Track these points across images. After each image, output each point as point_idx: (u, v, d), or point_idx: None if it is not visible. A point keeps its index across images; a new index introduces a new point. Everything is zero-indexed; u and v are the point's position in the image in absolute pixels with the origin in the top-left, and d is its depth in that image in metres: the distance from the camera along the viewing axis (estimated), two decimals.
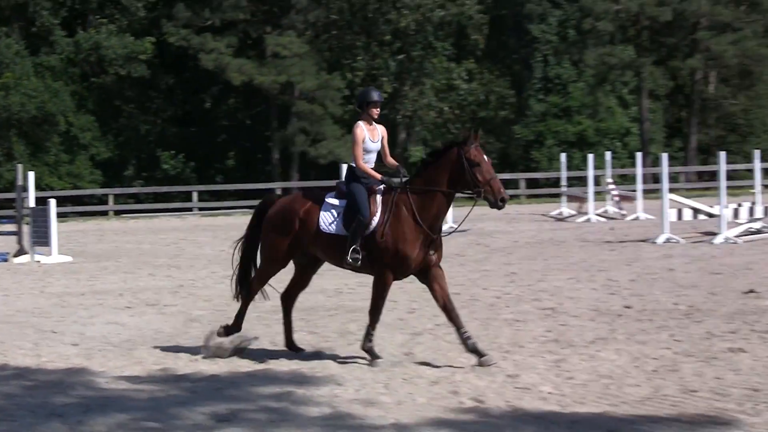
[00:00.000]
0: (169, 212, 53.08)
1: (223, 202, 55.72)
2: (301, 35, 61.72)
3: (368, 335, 13.08)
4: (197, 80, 65.12)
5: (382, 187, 13.14)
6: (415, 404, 10.70)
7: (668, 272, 20.98)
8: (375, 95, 13.33)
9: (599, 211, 38.39)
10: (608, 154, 43.39)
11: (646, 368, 12.13)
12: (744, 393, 10.82)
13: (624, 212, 38.28)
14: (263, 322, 16.33)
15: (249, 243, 14.12)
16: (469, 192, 12.73)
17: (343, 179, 13.57)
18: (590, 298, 17.97)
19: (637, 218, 36.29)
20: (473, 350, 12.62)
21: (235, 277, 14.16)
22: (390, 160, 13.51)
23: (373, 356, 12.94)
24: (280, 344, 14.37)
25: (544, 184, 56.29)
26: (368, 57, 63.26)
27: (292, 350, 13.74)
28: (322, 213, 13.20)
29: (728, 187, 29.16)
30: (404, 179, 13.07)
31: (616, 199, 39.71)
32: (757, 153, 31.60)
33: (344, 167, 14.98)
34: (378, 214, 12.88)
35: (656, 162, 41.47)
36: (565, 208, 41.19)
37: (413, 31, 62.94)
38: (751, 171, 33.60)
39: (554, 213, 40.95)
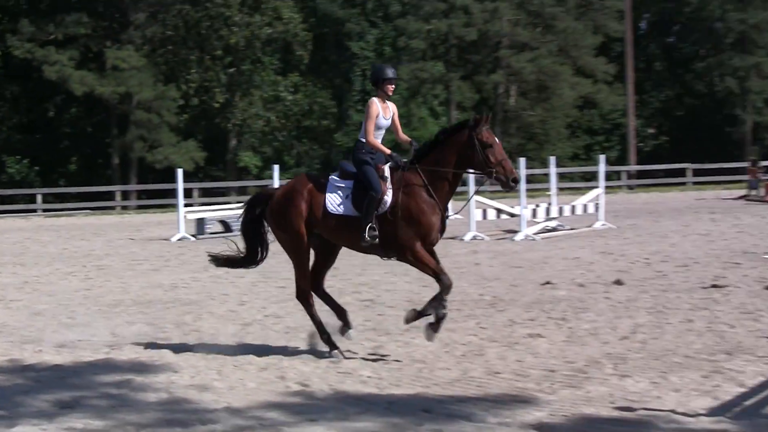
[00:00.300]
0: (14, 213, 51.82)
1: (65, 204, 54.62)
2: (139, 49, 61.01)
3: (439, 301, 11.99)
4: (41, 90, 63.69)
5: (387, 166, 12.24)
6: (245, 389, 10.65)
7: (475, 266, 21.23)
8: (390, 72, 12.37)
9: None
10: None
11: (455, 353, 12.25)
12: (542, 374, 11.01)
13: None
14: (104, 315, 16.10)
15: (250, 235, 13.13)
16: (480, 172, 12.09)
17: (351, 158, 12.48)
18: (405, 290, 18.05)
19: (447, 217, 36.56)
20: (432, 315, 12.02)
21: (228, 254, 13.32)
22: (403, 136, 12.69)
23: (437, 315, 11.95)
24: (119, 335, 14.17)
25: None
26: (201, 70, 62.74)
27: (344, 325, 12.62)
28: (328, 195, 12.27)
29: (527, 190, 29.58)
30: (413, 154, 12.32)
31: None
32: (552, 159, 32.18)
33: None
34: (389, 194, 12.02)
35: None
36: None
37: (243, 47, 62.67)
38: (547, 175, 34.16)
39: None
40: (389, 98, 12.46)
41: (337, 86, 68.44)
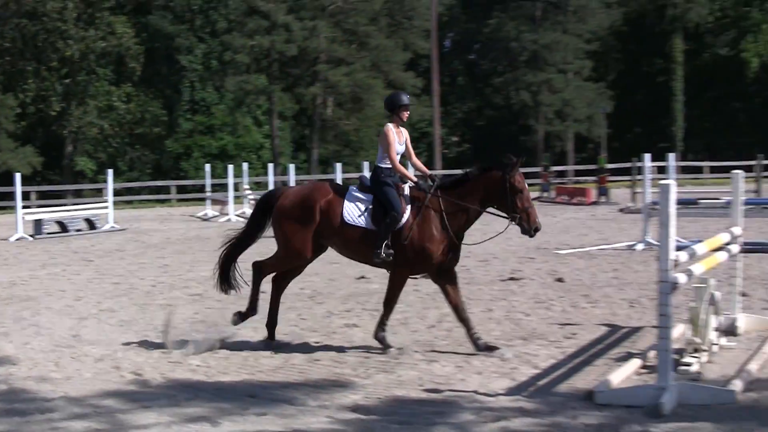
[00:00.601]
0: None
1: None
2: None
3: (381, 324, 11.65)
4: None
5: (407, 187, 11.61)
6: (82, 379, 10.45)
7: None
8: (405, 99, 11.78)
9: (238, 212, 38.45)
10: (245, 165, 43.60)
11: (278, 342, 12.22)
12: (358, 360, 11.07)
13: None
14: None
15: (245, 236, 12.39)
16: (503, 213, 11.41)
17: (369, 180, 11.78)
18: None
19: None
20: (484, 348, 11.28)
21: (218, 271, 12.41)
22: (416, 161, 12.11)
23: (385, 345, 11.51)
24: None
25: (192, 190, 55.87)
26: (38, 80, 61.20)
27: (269, 335, 12.11)
28: (346, 204, 11.55)
29: None
30: (437, 185, 11.57)
31: (252, 202, 39.91)
32: (365, 164, 32.53)
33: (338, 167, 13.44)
34: (407, 213, 11.40)
35: (285, 171, 41.93)
36: (210, 210, 41.05)
37: (78, 59, 61.40)
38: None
39: (200, 214, 40.74)
40: (403, 124, 11.87)
41: (168, 96, 67.63)
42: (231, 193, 38.54)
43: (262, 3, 63.21)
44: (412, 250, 11.37)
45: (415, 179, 11.69)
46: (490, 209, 11.53)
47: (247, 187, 41.51)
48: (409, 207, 11.45)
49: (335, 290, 16.65)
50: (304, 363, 11.03)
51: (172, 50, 67.29)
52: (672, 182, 8.80)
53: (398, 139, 11.71)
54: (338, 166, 29.67)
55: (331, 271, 19.53)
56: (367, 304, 14.99)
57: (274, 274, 12.39)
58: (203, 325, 13.31)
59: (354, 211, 11.56)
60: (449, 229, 11.36)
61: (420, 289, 16.49)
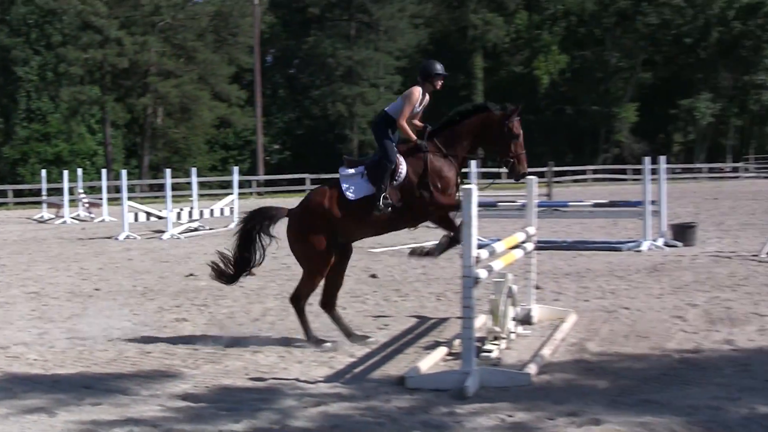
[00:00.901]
0: None
1: None
2: None
3: (450, 242, 10.66)
4: None
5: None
6: None
7: (128, 261, 20.84)
8: (440, 67, 10.86)
9: (73, 215, 37.60)
10: (80, 171, 42.80)
11: (112, 336, 11.95)
12: (187, 352, 10.92)
13: (93, 216, 37.71)
14: None
15: (241, 263, 11.51)
16: (496, 152, 10.80)
17: (375, 122, 11.05)
18: (67, 283, 17.51)
19: (103, 220, 35.83)
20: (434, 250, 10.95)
21: (224, 266, 11.55)
22: (417, 122, 11.10)
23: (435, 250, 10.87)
24: None
25: (29, 194, 54.30)
26: None
27: (353, 340, 11.07)
28: (342, 186, 10.75)
29: (173, 196, 29.41)
30: (428, 131, 10.87)
31: (87, 205, 39.13)
32: (193, 170, 32.17)
33: None
34: (403, 164, 10.64)
35: (117, 176, 41.08)
36: (46, 213, 40.01)
37: None
38: (189, 183, 34.06)
39: (36, 217, 39.66)
40: (433, 92, 11.11)
41: (4, 105, 65.70)
42: (66, 196, 37.76)
43: (96, 18, 62.14)
44: (425, 185, 10.70)
45: (415, 140, 10.90)
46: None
47: (81, 191, 40.71)
48: (404, 160, 10.78)
49: (166, 287, 16.40)
50: (137, 356, 10.82)
51: (8, 62, 65.34)
52: (474, 187, 8.95)
53: (418, 104, 10.99)
54: (168, 171, 29.26)
55: (161, 269, 19.27)
56: (196, 300, 14.82)
57: (309, 297, 11.43)
58: (40, 321, 12.93)
59: (351, 185, 10.85)
60: (453, 161, 10.81)
61: (245, 285, 16.39)
